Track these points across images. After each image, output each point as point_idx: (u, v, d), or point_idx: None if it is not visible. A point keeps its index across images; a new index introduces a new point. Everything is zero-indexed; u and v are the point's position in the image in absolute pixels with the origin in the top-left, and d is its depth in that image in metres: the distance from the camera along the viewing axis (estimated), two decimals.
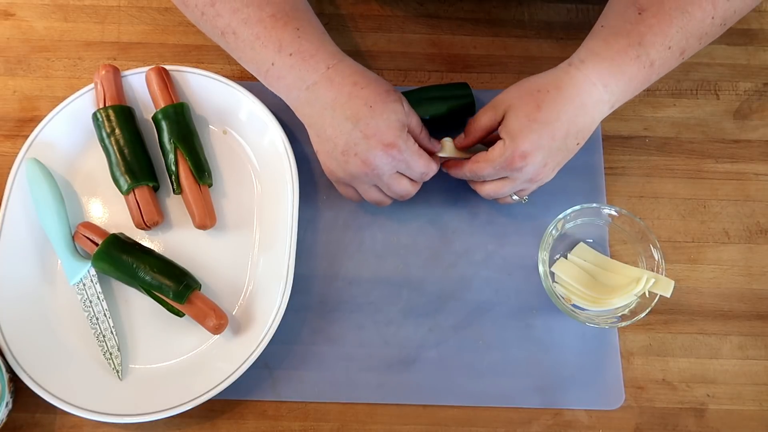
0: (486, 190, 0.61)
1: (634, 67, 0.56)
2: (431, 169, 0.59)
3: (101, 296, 0.61)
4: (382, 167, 0.56)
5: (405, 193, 0.60)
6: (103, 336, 0.60)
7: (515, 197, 0.62)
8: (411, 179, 0.59)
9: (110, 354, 0.60)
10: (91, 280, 0.62)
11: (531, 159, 0.56)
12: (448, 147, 0.61)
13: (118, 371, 0.59)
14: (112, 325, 0.61)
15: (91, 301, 0.61)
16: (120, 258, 0.60)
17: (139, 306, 0.62)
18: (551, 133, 0.56)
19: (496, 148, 0.57)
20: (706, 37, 0.57)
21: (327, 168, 0.60)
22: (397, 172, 0.58)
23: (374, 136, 0.55)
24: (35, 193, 0.62)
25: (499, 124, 0.58)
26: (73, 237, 0.63)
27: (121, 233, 0.62)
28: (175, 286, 0.59)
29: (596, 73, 0.56)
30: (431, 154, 0.60)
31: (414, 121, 0.58)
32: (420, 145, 0.58)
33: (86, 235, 0.62)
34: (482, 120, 0.59)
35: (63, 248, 0.62)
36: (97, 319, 0.61)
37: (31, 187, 0.63)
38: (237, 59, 0.61)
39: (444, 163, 0.63)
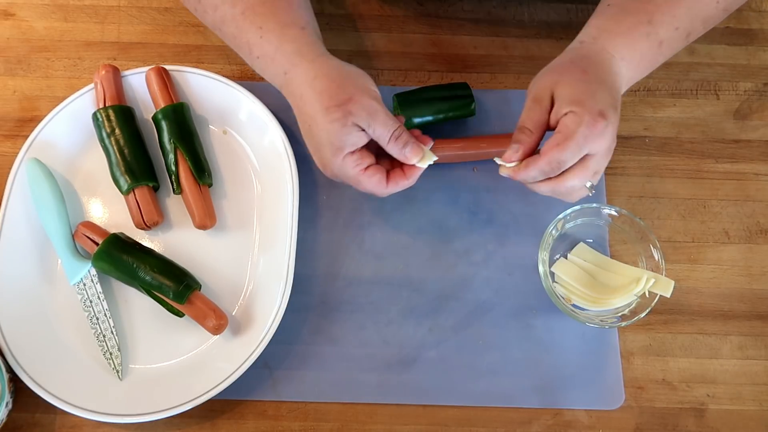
0: (567, 183, 0.53)
1: (645, 45, 0.55)
2: (378, 189, 0.56)
3: (101, 296, 0.61)
4: (335, 175, 0.57)
5: (371, 193, 0.57)
6: (103, 336, 0.60)
7: (588, 184, 0.54)
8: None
9: (110, 354, 0.60)
10: (92, 280, 0.62)
11: (609, 117, 0.51)
12: (427, 155, 0.56)
13: (118, 371, 0.59)
14: (112, 325, 0.61)
15: (91, 301, 0.61)
16: (120, 258, 0.60)
17: (139, 306, 0.62)
18: (608, 91, 0.52)
19: (568, 123, 0.51)
20: (710, 20, 0.57)
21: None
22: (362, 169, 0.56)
23: (316, 153, 0.57)
24: (36, 192, 0.62)
25: (550, 111, 0.53)
26: (73, 236, 0.63)
27: (122, 233, 0.62)
28: (175, 286, 0.59)
29: (612, 47, 0.55)
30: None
31: (378, 131, 0.53)
32: (394, 152, 0.55)
33: (87, 234, 0.62)
34: (532, 116, 0.53)
35: (63, 248, 0.62)
36: (97, 319, 0.61)
37: (32, 186, 0.63)
38: (233, 48, 0.62)
39: (507, 167, 0.55)
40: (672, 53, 0.58)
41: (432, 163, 0.57)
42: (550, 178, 0.54)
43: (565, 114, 0.52)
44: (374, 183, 0.56)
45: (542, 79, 0.55)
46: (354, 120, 0.53)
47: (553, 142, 0.51)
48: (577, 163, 0.52)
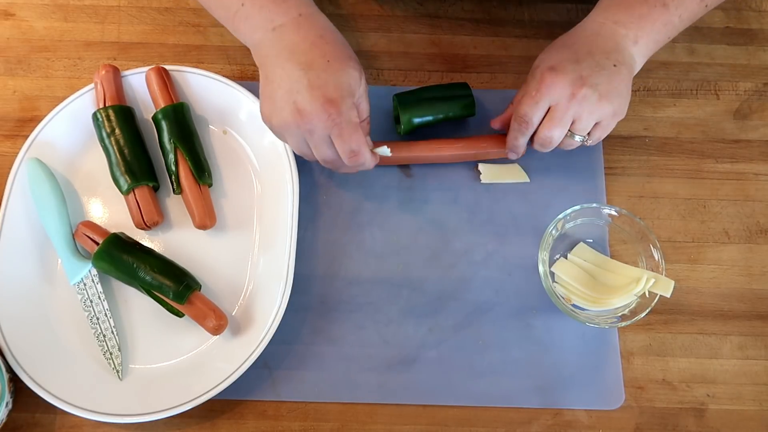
0: (540, 133, 0.59)
1: (644, 8, 0.58)
2: (362, 149, 0.56)
3: (102, 296, 0.61)
4: (315, 123, 0.54)
5: (329, 159, 0.58)
6: (104, 336, 0.60)
7: (577, 138, 0.60)
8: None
9: (110, 354, 0.60)
10: (92, 280, 0.62)
11: (561, 70, 0.57)
12: (383, 150, 0.61)
13: (118, 371, 0.59)
14: (112, 325, 0.61)
15: (91, 301, 0.61)
16: (120, 258, 0.60)
17: (139, 306, 0.62)
18: (573, 51, 0.58)
19: (527, 81, 0.60)
20: None
21: (263, 112, 0.58)
22: (329, 136, 0.56)
23: (319, 89, 0.54)
24: (36, 192, 0.62)
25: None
26: (73, 236, 0.63)
27: (122, 233, 0.62)
28: (175, 286, 0.59)
29: (602, 15, 0.60)
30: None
31: (364, 106, 0.58)
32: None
33: (87, 234, 0.62)
34: (523, 87, 0.62)
35: (64, 248, 0.62)
36: (97, 318, 0.61)
37: (32, 186, 0.63)
38: (207, 8, 0.61)
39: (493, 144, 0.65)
40: (691, 16, 0.60)
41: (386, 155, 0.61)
42: (515, 141, 0.62)
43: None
44: (360, 138, 0.56)
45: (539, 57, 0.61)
46: (365, 84, 0.57)
47: (517, 96, 0.60)
48: (546, 114, 0.58)
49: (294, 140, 0.57)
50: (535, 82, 0.58)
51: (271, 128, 0.58)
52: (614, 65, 0.57)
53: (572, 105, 0.57)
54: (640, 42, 0.59)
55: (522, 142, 0.62)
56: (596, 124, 0.59)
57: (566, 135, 0.59)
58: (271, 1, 0.56)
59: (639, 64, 0.60)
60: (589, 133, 0.60)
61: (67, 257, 0.62)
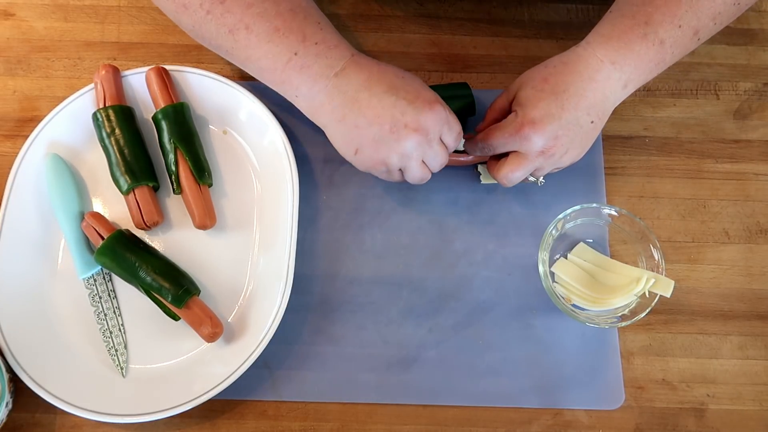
0: (503, 171, 0.60)
1: (643, 46, 0.56)
2: (460, 128, 0.59)
3: (113, 293, 0.62)
4: (431, 128, 0.56)
5: (443, 162, 0.59)
6: (110, 332, 0.60)
7: (531, 178, 0.62)
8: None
9: (116, 351, 0.60)
10: (104, 277, 0.62)
11: (540, 127, 0.56)
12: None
13: (122, 368, 0.59)
14: (120, 322, 0.61)
15: (100, 297, 0.61)
16: (123, 255, 0.60)
17: (140, 305, 0.62)
18: (560, 103, 0.56)
19: (508, 118, 0.58)
20: (720, 17, 0.57)
21: (376, 160, 0.57)
22: (440, 136, 0.57)
23: (417, 99, 0.55)
24: (55, 186, 0.63)
25: (512, 103, 0.60)
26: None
27: (127, 230, 0.62)
28: (174, 289, 0.59)
29: (602, 51, 0.57)
30: None
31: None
32: None
33: (93, 225, 0.61)
34: (497, 102, 0.62)
35: (78, 242, 0.62)
36: (105, 315, 0.61)
37: (51, 180, 0.63)
38: (244, 59, 0.58)
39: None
40: (684, 50, 0.59)
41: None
42: (492, 167, 0.62)
43: (512, 111, 0.59)
44: (458, 124, 0.59)
45: (523, 75, 0.60)
46: None
47: (491, 127, 0.60)
48: (511, 155, 0.59)
49: (415, 165, 0.58)
50: (513, 127, 0.57)
51: (388, 172, 0.59)
52: (592, 122, 0.58)
53: (539, 159, 0.58)
54: (630, 85, 0.58)
55: (477, 152, 0.62)
56: (554, 169, 0.61)
57: None
58: (325, 48, 0.56)
59: (619, 102, 0.60)
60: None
61: (81, 252, 0.62)
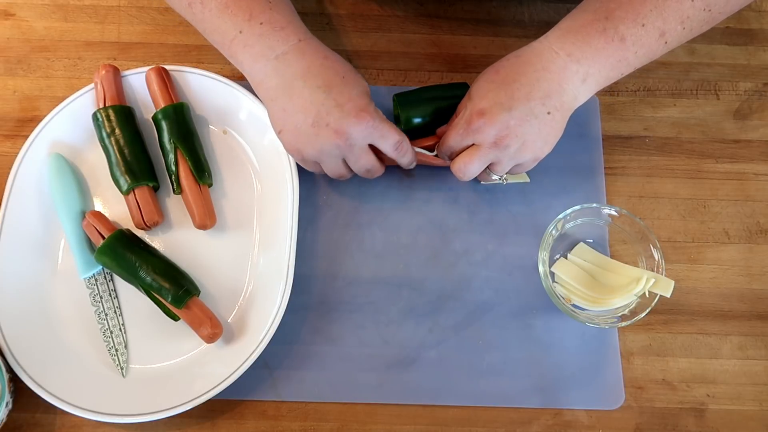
0: (457, 164, 0.59)
1: (601, 40, 0.56)
2: (404, 138, 0.58)
3: (114, 293, 0.62)
4: (356, 136, 0.56)
5: (372, 168, 0.60)
6: (111, 332, 0.60)
7: (494, 177, 0.61)
8: (378, 157, 0.60)
9: (116, 351, 0.60)
10: (105, 277, 0.62)
11: (490, 116, 0.56)
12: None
13: (122, 368, 0.59)
14: (121, 322, 0.61)
15: (101, 297, 0.61)
16: (123, 255, 0.60)
17: (140, 305, 0.62)
18: (510, 93, 0.56)
19: (459, 114, 0.58)
20: (689, 21, 0.56)
21: (293, 146, 0.58)
22: (369, 144, 0.57)
23: (348, 103, 0.55)
24: (57, 185, 0.63)
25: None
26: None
27: (128, 229, 0.62)
28: (174, 290, 0.59)
29: (559, 44, 0.57)
30: None
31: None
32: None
33: (94, 224, 0.61)
34: (459, 105, 0.61)
35: (80, 242, 0.62)
36: (106, 314, 0.61)
37: (54, 179, 0.63)
38: (202, 31, 0.60)
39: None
40: (650, 52, 0.57)
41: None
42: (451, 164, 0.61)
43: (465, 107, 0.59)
44: (397, 130, 0.58)
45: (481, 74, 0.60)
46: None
47: (444, 127, 0.61)
48: (467, 149, 0.58)
49: (332, 162, 0.59)
50: (464, 120, 0.57)
51: (303, 160, 0.60)
52: (548, 112, 0.56)
53: (493, 151, 0.57)
54: (590, 80, 0.57)
55: (446, 156, 0.62)
56: (516, 165, 0.60)
57: (484, 171, 0.60)
58: (270, 29, 0.56)
59: (583, 99, 0.58)
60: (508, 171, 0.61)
61: (82, 251, 0.62)
